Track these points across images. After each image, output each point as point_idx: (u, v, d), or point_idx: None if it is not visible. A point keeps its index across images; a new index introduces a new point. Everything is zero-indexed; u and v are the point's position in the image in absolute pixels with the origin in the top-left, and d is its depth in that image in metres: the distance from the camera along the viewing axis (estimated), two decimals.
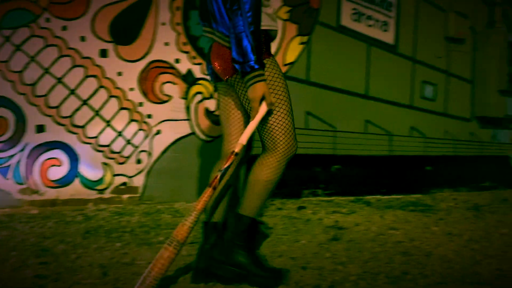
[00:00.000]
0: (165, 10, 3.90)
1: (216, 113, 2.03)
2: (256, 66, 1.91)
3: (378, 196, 4.90)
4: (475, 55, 5.72)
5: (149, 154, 3.91)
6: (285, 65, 4.35)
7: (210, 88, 4.06)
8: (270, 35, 2.15)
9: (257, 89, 1.93)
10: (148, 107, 3.88)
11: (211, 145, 4.09)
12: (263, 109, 1.97)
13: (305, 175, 4.54)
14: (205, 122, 4.07)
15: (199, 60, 4.01)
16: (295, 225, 3.41)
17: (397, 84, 5.13)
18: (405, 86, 5.21)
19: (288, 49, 4.37)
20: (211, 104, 4.08)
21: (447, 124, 5.54)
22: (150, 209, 3.71)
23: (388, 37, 5.02)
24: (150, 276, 1.78)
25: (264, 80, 1.95)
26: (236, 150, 1.96)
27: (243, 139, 1.97)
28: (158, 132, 3.93)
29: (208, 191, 1.91)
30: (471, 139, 5.73)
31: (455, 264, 2.57)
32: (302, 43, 4.43)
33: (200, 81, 4.04)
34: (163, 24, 3.90)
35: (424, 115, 5.35)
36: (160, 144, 3.94)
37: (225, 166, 1.96)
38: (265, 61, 2.03)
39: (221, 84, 2.21)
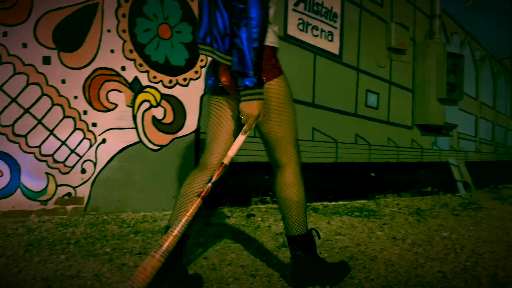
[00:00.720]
0: (110, 17, 3.84)
1: (209, 125, 2.07)
2: (256, 83, 1.92)
3: (326, 203, 4.99)
4: (416, 65, 5.94)
5: (94, 163, 3.81)
6: None
7: (158, 96, 4.02)
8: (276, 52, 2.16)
9: (255, 107, 1.95)
10: (93, 116, 3.79)
11: (158, 154, 4.04)
12: (249, 126, 2.01)
13: (254, 182, 4.56)
14: (152, 131, 4.02)
15: (146, 67, 3.97)
16: (244, 233, 3.42)
17: (342, 93, 5.25)
18: (350, 94, 5.34)
19: None
20: (158, 112, 4.03)
21: (390, 132, 5.72)
22: (96, 220, 3.62)
23: (333, 47, 5.14)
24: (135, 283, 1.77)
25: (262, 99, 1.97)
26: (226, 162, 2.01)
27: (233, 151, 2.02)
28: (103, 141, 3.84)
29: (197, 202, 1.94)
30: (413, 146, 5.93)
31: (399, 268, 2.65)
32: None
33: (147, 89, 3.99)
34: (109, 31, 3.84)
35: (368, 123, 5.50)
36: (105, 153, 3.86)
37: (216, 177, 2.00)
38: (279, 78, 2.10)
39: (218, 97, 2.20)
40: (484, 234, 3.63)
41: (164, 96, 4.06)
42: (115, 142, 3.89)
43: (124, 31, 3.89)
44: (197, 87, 4.21)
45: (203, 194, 1.96)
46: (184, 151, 4.16)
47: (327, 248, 3.04)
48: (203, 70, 4.22)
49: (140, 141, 3.98)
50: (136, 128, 3.96)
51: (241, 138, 2.04)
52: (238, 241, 3.16)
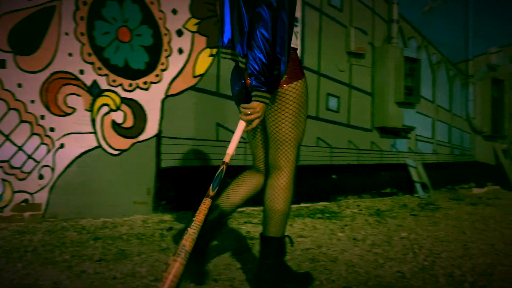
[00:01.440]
0: (68, 20, 3.76)
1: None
2: (267, 88, 2.01)
3: None
4: (375, 69, 6.06)
5: (52, 169, 3.72)
6: (195, 77, 4.36)
7: (117, 99, 3.96)
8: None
9: (261, 108, 2.03)
10: (50, 120, 3.71)
11: (118, 159, 3.98)
12: (243, 124, 2.08)
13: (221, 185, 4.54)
14: (112, 135, 3.96)
15: (105, 71, 3.91)
16: None
17: None
18: (312, 98, 5.40)
19: (198, 61, 4.37)
20: (118, 116, 3.98)
21: (350, 134, 5.81)
22: (54, 226, 3.53)
23: None
24: None
25: (267, 104, 2.06)
26: (226, 160, 2.08)
27: (231, 149, 2.08)
28: (61, 146, 3.76)
29: (206, 201, 2.02)
30: (372, 148, 6.05)
31: (359, 268, 2.70)
32: (211, 55, 4.47)
33: (106, 93, 3.93)
34: (67, 34, 3.76)
35: (329, 126, 5.57)
36: (64, 158, 3.77)
37: (216, 175, 2.08)
38: (300, 81, 2.17)
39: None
40: (441, 234, 3.74)
41: (124, 100, 4.01)
42: (74, 147, 3.81)
43: (82, 34, 3.82)
44: (158, 90, 4.17)
45: (211, 194, 2.04)
46: (144, 155, 4.12)
47: (290, 251, 3.06)
48: (164, 73, 4.18)
49: (100, 146, 3.91)
50: (95, 132, 3.89)
51: (238, 134, 2.08)
52: None
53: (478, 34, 7.46)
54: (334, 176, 5.57)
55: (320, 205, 5.16)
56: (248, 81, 2.09)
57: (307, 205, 5.14)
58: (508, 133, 8.10)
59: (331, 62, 5.56)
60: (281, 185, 2.21)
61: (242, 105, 2.09)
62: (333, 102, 5.61)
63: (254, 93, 2.02)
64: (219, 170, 2.08)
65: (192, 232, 1.92)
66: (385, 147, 6.19)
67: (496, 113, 7.97)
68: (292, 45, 2.12)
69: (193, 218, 1.97)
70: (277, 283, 2.21)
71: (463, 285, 2.45)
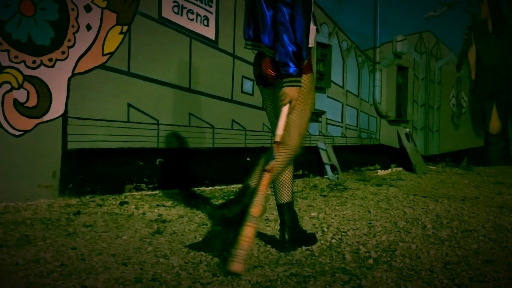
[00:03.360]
0: None
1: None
2: (298, 72, 2.41)
3: (202, 188, 5.01)
4: None
5: None
6: (104, 55, 4.18)
7: (20, 77, 3.71)
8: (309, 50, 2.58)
9: (295, 90, 2.44)
10: None
11: (21, 140, 3.74)
12: (287, 108, 2.47)
13: (127, 169, 4.42)
14: (13, 115, 3.70)
15: (6, 46, 3.63)
16: (117, 221, 3.32)
17: (219, 79, 5.27)
18: (227, 80, 5.39)
19: (107, 39, 4.19)
20: (20, 95, 3.72)
21: (265, 118, 5.86)
22: None
23: (209, 32, 5.13)
24: (242, 250, 2.23)
25: (300, 86, 2.46)
26: (278, 139, 2.48)
27: (280, 129, 2.48)
28: None
29: (266, 175, 2.44)
30: None
31: (270, 248, 2.75)
32: (122, 33, 4.30)
33: (8, 70, 3.66)
34: None
35: (244, 109, 5.60)
36: None
37: (269, 153, 2.53)
38: (309, 75, 2.56)
39: (268, 89, 2.73)
40: (348, 213, 3.90)
41: (27, 78, 3.76)
42: None
43: None
44: (65, 68, 3.95)
45: (268, 168, 2.45)
46: (50, 136, 3.90)
47: (203, 233, 3.06)
48: (71, 50, 3.97)
49: (0, 126, 3.65)
50: None
51: (282, 119, 2.47)
52: (110, 230, 3.05)
53: (385, 22, 7.80)
54: (248, 159, 5.62)
55: (234, 187, 5.19)
56: (266, 68, 2.55)
57: (221, 187, 5.15)
58: (410, 118, 8.61)
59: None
60: (280, 153, 2.57)
61: (280, 93, 2.46)
62: (248, 85, 5.64)
63: (287, 79, 2.41)
64: (270, 148, 2.52)
65: (258, 201, 2.38)
66: None
67: (401, 99, 8.43)
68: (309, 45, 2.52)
69: (256, 189, 2.43)
70: (297, 242, 2.76)
71: (368, 261, 2.57)
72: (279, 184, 2.80)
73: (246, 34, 2.68)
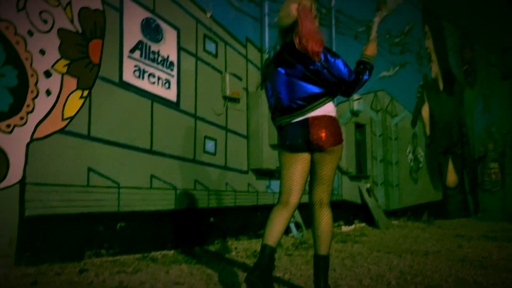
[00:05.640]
0: None
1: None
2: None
3: (165, 252, 4.90)
4: (249, 113, 6.27)
5: None
6: (64, 119, 4.15)
7: None
8: None
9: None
10: None
11: None
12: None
13: (87, 235, 4.30)
14: None
15: None
16: None
17: (181, 139, 5.30)
18: (189, 141, 5.41)
19: (67, 104, 4.17)
20: None
21: (228, 177, 5.89)
22: None
23: (170, 95, 5.20)
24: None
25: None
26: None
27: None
28: None
29: None
30: (249, 190, 6.18)
31: None
32: (82, 97, 4.30)
33: None
34: None
35: (206, 169, 5.60)
36: None
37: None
38: (341, 145, 2.96)
39: (293, 153, 3.04)
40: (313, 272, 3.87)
41: None
42: None
43: None
44: (23, 134, 3.89)
45: None
46: (6, 204, 3.76)
47: None
48: (30, 116, 3.92)
49: None
50: None
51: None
52: None
53: None
54: (212, 219, 5.57)
55: (198, 250, 5.10)
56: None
57: (185, 249, 5.05)
58: (370, 173, 8.79)
59: (207, 106, 5.65)
60: (330, 214, 3.04)
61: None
62: (210, 145, 5.67)
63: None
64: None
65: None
66: (261, 188, 6.36)
67: (360, 155, 8.63)
68: (331, 114, 2.93)
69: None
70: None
71: None
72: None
73: (276, 110, 3.08)
